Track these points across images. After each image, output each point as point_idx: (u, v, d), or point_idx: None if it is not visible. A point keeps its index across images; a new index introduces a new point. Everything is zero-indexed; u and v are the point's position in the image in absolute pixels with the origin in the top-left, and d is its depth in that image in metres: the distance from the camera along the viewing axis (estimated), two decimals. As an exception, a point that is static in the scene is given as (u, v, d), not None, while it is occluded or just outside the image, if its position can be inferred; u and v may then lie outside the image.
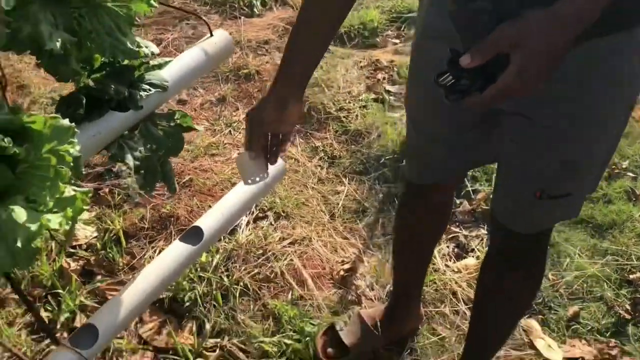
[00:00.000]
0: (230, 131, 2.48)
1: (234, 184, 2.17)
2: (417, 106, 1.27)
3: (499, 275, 1.29)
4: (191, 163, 2.25)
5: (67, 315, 1.67)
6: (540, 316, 1.75)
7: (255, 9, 3.18)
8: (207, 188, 2.13)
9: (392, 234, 1.58)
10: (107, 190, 2.08)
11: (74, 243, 1.89)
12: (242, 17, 3.13)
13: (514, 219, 1.18)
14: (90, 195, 0.95)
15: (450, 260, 1.91)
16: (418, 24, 1.21)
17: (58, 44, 0.91)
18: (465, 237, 1.99)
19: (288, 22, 3.08)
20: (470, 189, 2.14)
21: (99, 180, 2.12)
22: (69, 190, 0.92)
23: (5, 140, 0.84)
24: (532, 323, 1.72)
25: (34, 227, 0.83)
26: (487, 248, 1.36)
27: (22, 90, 2.53)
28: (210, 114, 2.60)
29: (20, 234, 0.82)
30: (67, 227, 0.87)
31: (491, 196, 1.27)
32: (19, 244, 0.81)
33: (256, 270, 1.83)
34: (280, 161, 1.51)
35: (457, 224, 2.03)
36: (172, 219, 1.99)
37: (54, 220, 0.85)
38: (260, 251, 1.89)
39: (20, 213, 0.85)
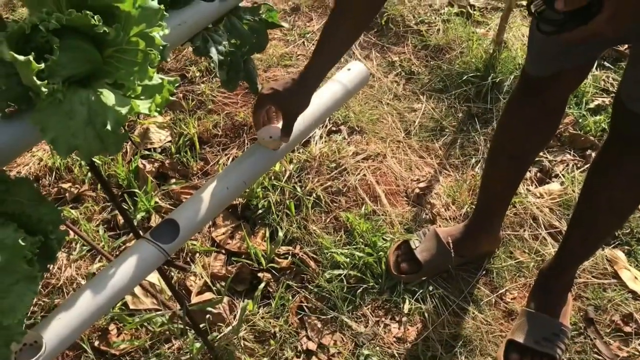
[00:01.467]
0: (303, 42, 2.40)
1: (307, 95, 2.11)
2: None
3: (619, 155, 1.21)
4: (264, 73, 2.20)
5: (142, 214, 1.69)
6: (627, 247, 1.66)
7: None
8: (280, 98, 2.07)
9: (491, 141, 1.47)
10: (181, 95, 2.06)
11: (149, 146, 1.90)
12: None
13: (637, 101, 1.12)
14: (177, 84, 0.91)
15: (532, 185, 1.82)
16: None
17: None
18: (550, 161, 1.88)
19: None
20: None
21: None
22: (156, 78, 0.88)
23: (95, 17, 0.80)
24: (618, 253, 1.63)
25: (124, 110, 0.80)
26: (606, 134, 1.27)
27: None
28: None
29: (109, 117, 0.79)
30: (156, 114, 0.84)
31: (620, 80, 1.22)
32: (108, 127, 0.79)
33: (329, 183, 1.80)
34: (362, 67, 1.43)
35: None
36: (245, 127, 1.96)
37: (143, 105, 0.82)
38: (334, 164, 1.85)
39: (109, 96, 0.82)
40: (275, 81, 1.13)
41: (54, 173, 1.81)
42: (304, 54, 2.35)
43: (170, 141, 1.92)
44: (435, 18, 2.42)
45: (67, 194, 1.76)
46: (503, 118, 1.42)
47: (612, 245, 1.66)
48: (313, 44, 2.38)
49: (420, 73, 2.21)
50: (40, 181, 1.80)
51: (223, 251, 1.63)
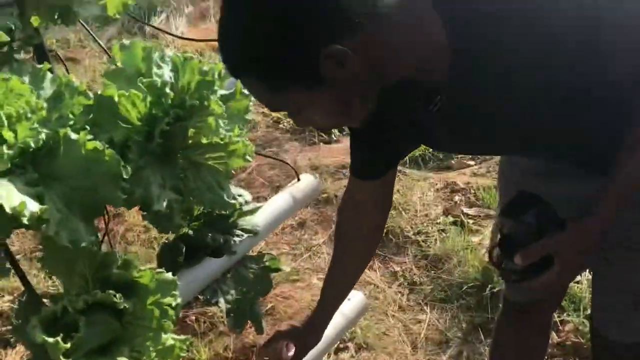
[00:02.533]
0: (310, 256, 2.54)
1: (314, 312, 2.19)
2: None
3: None
4: (273, 290, 2.29)
5: None
6: None
7: (332, 135, 3.33)
8: (288, 316, 2.15)
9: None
10: (193, 318, 2.14)
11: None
12: (321, 143, 3.28)
13: (612, 328, 1.18)
14: (189, 342, 1.00)
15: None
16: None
17: (164, 204, 0.99)
18: (557, 372, 1.89)
19: (365, 147, 3.20)
20: (557, 319, 2.05)
21: (186, 307, 2.19)
22: (169, 340, 0.97)
23: (117, 296, 0.92)
24: None
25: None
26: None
27: (118, 218, 2.72)
28: (290, 238, 2.68)
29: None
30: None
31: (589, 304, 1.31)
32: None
33: (338, 405, 1.80)
34: (361, 296, 1.53)
35: (546, 358, 1.93)
36: (255, 348, 2.01)
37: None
38: (343, 385, 1.87)
39: (126, 366, 0.90)
40: (286, 321, 1.34)
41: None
42: (311, 268, 2.47)
43: (181, 365, 1.96)
44: (432, 228, 2.57)
45: None
46: (494, 341, 1.49)
47: None
48: (319, 257, 2.52)
49: (423, 283, 2.31)
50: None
51: None
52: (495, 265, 1.02)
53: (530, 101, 0.88)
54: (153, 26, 3.64)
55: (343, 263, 1.28)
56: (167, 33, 2.05)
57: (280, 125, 3.42)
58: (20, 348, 2.01)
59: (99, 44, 1.43)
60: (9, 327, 2.06)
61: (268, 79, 0.88)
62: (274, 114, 3.46)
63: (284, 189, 1.37)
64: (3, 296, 2.25)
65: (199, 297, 2.17)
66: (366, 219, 1.24)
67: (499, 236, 1.02)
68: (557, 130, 0.93)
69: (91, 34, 1.35)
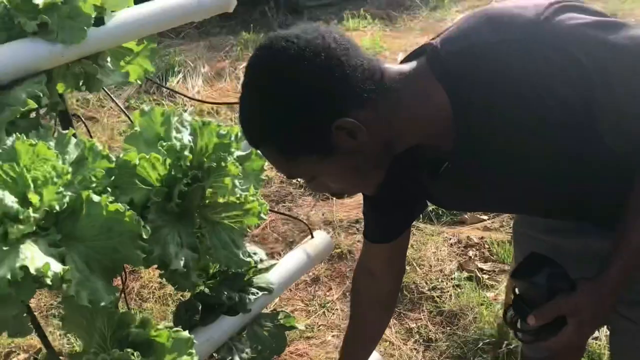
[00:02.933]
0: (324, 312, 2.52)
1: (329, 370, 2.16)
2: None
3: None
4: (287, 347, 2.28)
5: None
6: None
7: (346, 190, 3.35)
8: (303, 374, 2.13)
9: None
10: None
11: None
12: (334, 198, 3.30)
13: None
14: (203, 403, 1.00)
15: None
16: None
17: (182, 263, 1.02)
18: None
19: (378, 201, 3.22)
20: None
21: (200, 365, 2.18)
22: (184, 399, 0.98)
23: (135, 354, 0.93)
24: None
25: None
26: None
27: (133, 275, 2.74)
28: (304, 294, 2.68)
29: None
30: None
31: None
32: None
33: None
34: (377, 355, 1.52)
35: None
36: (269, 407, 1.98)
37: None
38: None
39: None
40: None
41: None
42: (325, 325, 2.45)
43: None
44: (447, 283, 2.56)
45: None
46: None
47: None
48: (333, 314, 2.50)
49: (438, 340, 2.28)
50: None
51: None
52: (510, 325, 1.03)
53: (533, 168, 0.91)
54: (169, 88, 3.75)
55: (361, 330, 1.30)
56: (184, 95, 2.12)
57: (294, 181, 3.46)
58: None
59: (117, 105, 1.49)
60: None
61: (283, 151, 0.92)
62: (287, 170, 3.51)
63: (297, 246, 1.39)
64: (19, 354, 2.26)
65: (214, 355, 2.17)
66: (380, 285, 1.27)
67: (512, 296, 1.03)
68: (561, 193, 0.96)
69: (110, 96, 1.41)
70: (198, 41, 5.60)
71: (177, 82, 4.58)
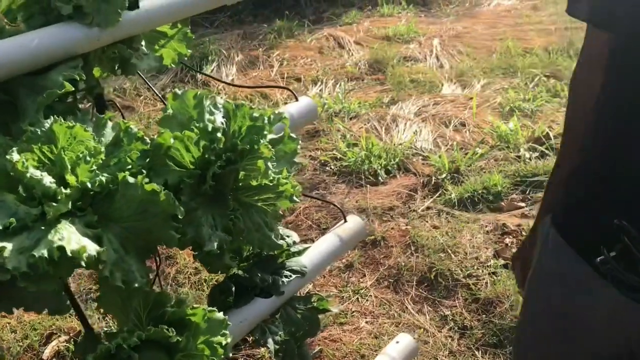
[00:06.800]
0: (357, 298, 2.52)
1: (362, 356, 2.17)
2: None
3: None
4: (321, 333, 2.29)
5: None
6: None
7: (379, 177, 3.34)
8: (337, 359, 2.13)
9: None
10: (241, 360, 2.15)
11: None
12: (368, 186, 3.29)
13: None
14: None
15: None
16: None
17: (215, 244, 1.02)
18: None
19: (411, 188, 3.20)
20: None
21: (234, 349, 2.20)
22: (218, 379, 0.99)
23: (170, 330, 0.94)
24: None
25: None
26: None
27: (169, 260, 2.78)
28: (338, 280, 2.68)
29: None
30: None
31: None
32: None
33: None
34: (410, 338, 1.51)
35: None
36: (303, 391, 1.99)
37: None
38: None
39: (176, 404, 0.92)
40: None
41: None
42: (359, 311, 2.45)
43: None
44: (483, 271, 2.53)
45: None
46: None
47: None
48: (367, 300, 2.50)
49: (474, 327, 2.26)
50: None
51: None
52: (607, 277, 0.94)
53: None
54: (204, 73, 3.78)
55: None
56: (218, 80, 2.13)
57: (327, 168, 3.46)
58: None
59: (153, 91, 1.50)
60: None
61: None
62: (321, 157, 3.51)
63: (330, 230, 1.39)
64: (60, 336, 2.32)
65: (247, 338, 2.20)
66: None
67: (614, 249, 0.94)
68: None
69: (147, 83, 1.43)
70: (232, 30, 5.63)
71: (211, 70, 4.61)
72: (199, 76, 4.53)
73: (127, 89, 4.47)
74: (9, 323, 2.40)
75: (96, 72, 1.16)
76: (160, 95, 1.59)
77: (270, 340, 1.20)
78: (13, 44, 0.94)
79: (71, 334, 2.31)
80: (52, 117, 0.94)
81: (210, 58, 4.79)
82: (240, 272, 1.21)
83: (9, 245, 0.81)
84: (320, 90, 4.35)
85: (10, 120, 0.96)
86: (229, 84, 2.65)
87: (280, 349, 1.21)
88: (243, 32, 5.56)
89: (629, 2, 0.94)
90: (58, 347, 2.26)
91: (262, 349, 2.18)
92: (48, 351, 2.23)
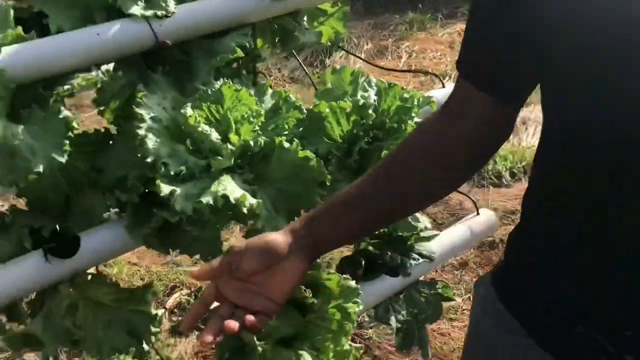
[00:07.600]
0: (469, 297, 2.49)
1: (470, 354, 2.14)
2: None
3: None
4: (429, 325, 2.28)
5: None
6: None
7: (503, 179, 3.25)
8: (443, 353, 2.12)
9: None
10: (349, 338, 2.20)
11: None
12: (490, 186, 3.22)
13: None
14: (362, 351, 1.04)
15: None
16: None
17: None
18: None
19: (536, 194, 3.08)
20: None
21: (342, 327, 2.25)
22: (346, 345, 1.03)
23: (307, 291, 0.99)
24: None
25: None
26: None
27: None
28: (450, 276, 2.65)
29: (306, 379, 0.94)
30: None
31: None
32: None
33: None
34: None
35: None
36: (408, 378, 2.01)
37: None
38: None
39: (307, 358, 0.97)
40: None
41: None
42: (469, 310, 2.41)
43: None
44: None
45: None
46: None
47: None
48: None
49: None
50: None
51: None
52: None
53: None
54: (352, 53, 3.84)
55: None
56: (358, 57, 2.17)
57: (449, 164, 3.41)
58: (192, 338, 2.19)
59: (301, 65, 1.56)
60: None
61: None
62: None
63: (461, 221, 1.39)
64: (182, 289, 2.48)
65: (366, 315, 2.23)
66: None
67: None
68: None
69: (297, 59, 1.49)
70: (363, 19, 5.67)
71: (340, 57, 4.68)
72: (327, 61, 4.62)
73: (258, 67, 4.65)
74: (138, 271, 2.60)
75: (259, 42, 1.23)
76: (306, 69, 1.65)
77: (392, 318, 1.23)
78: (195, 8, 1.03)
79: (192, 289, 2.47)
80: (221, 79, 1.01)
81: (340, 45, 4.87)
82: (370, 247, 1.24)
83: (178, 190, 0.89)
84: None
85: (185, 79, 1.04)
86: (372, 64, 2.68)
87: (401, 328, 1.24)
88: (374, 22, 5.59)
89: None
90: (180, 299, 2.42)
91: (370, 330, 2.21)
92: (171, 301, 2.39)
